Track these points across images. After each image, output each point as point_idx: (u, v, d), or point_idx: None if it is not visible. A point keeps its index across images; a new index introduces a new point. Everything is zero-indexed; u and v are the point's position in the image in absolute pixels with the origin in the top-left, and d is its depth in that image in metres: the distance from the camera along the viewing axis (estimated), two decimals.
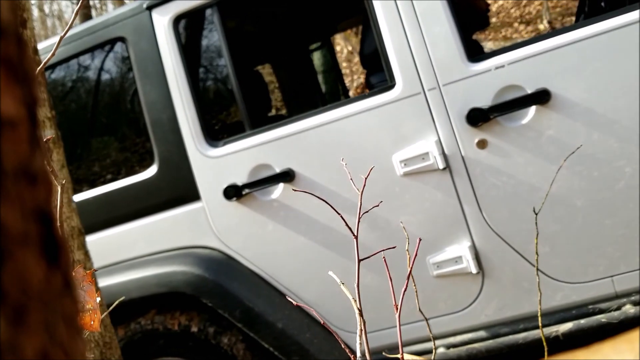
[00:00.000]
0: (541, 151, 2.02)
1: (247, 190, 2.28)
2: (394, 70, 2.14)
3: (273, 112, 3.93)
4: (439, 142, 2.11)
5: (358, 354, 1.11)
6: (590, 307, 2.09)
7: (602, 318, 2.05)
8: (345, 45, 10.49)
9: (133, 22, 2.43)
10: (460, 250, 2.14)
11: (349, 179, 2.18)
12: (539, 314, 1.66)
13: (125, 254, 2.47)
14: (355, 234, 1.27)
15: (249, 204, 2.31)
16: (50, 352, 0.31)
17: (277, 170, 2.27)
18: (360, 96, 2.21)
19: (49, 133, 1.87)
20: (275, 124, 2.28)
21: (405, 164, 2.14)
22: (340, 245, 2.25)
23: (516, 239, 2.10)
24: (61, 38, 1.10)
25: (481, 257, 2.14)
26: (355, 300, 1.17)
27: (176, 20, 2.37)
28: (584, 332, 2.05)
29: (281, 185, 2.27)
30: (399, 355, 1.12)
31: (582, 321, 2.07)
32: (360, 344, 1.14)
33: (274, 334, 2.25)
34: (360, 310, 1.15)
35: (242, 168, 2.30)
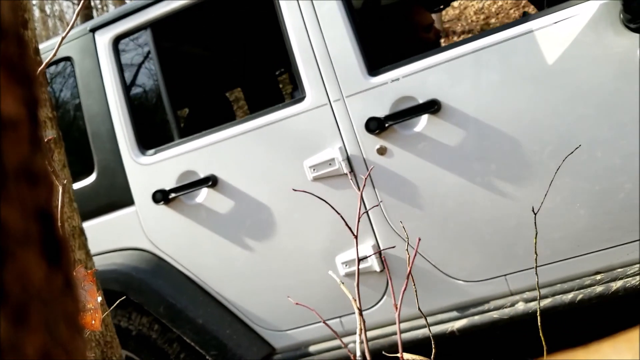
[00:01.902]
0: (434, 156, 2.18)
1: (173, 195, 2.46)
2: (304, 84, 2.33)
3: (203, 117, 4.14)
4: (344, 148, 2.27)
5: (358, 354, 1.10)
6: (486, 304, 2.22)
7: (494, 314, 2.18)
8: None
9: (79, 43, 2.66)
10: (365, 249, 2.29)
11: (268, 182, 2.35)
12: (538, 314, 1.74)
13: None
14: (355, 234, 1.33)
15: (176, 207, 2.49)
16: (51, 352, 0.31)
17: (201, 175, 2.45)
18: (275, 107, 2.40)
19: (50, 133, 1.91)
20: (199, 133, 2.47)
21: (314, 169, 2.30)
22: (258, 246, 2.41)
23: (415, 239, 2.24)
24: (62, 39, 1.15)
25: (386, 257, 2.29)
26: (355, 300, 1.25)
27: (115, 41, 2.59)
28: (477, 327, 2.18)
29: (205, 189, 2.45)
30: (398, 355, 1.20)
31: (476, 317, 2.19)
32: (361, 343, 1.20)
33: (195, 329, 2.40)
34: (360, 310, 1.23)
35: (171, 174, 2.48)
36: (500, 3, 10.52)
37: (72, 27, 1.14)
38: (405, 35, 3.18)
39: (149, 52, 2.59)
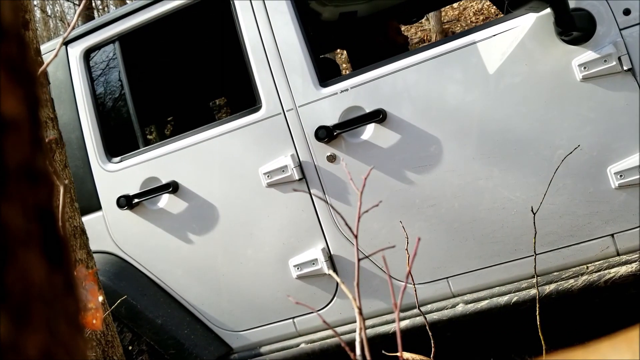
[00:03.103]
0: (380, 163, 2.28)
1: (137, 200, 2.58)
2: (260, 94, 2.45)
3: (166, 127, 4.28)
4: (296, 156, 2.39)
5: (358, 353, 1.20)
6: (429, 305, 2.31)
7: (434, 315, 2.27)
8: None
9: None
10: (315, 253, 2.39)
11: (225, 188, 2.46)
12: (537, 314, 1.80)
13: None
14: (355, 234, 1.43)
15: (140, 212, 2.60)
16: (52, 351, 0.31)
17: (163, 182, 2.56)
18: (232, 117, 2.52)
19: (51, 133, 1.91)
20: (161, 142, 2.60)
21: (269, 176, 2.41)
22: (216, 249, 2.52)
23: (364, 244, 2.34)
24: (63, 39, 1.16)
25: (335, 260, 2.39)
26: (355, 299, 1.34)
27: (86, 53, 2.73)
28: (417, 328, 2.27)
29: (166, 195, 2.56)
30: (398, 354, 1.30)
31: (417, 319, 2.29)
32: (361, 343, 1.27)
33: (154, 329, 2.50)
34: (359, 309, 1.32)
35: (135, 180, 2.60)
36: None
37: (73, 28, 1.16)
38: (378, 42, 3.32)
39: (117, 64, 2.72)
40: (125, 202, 2.58)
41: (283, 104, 2.41)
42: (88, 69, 2.73)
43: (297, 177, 2.37)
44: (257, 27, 2.44)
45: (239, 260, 2.51)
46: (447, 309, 2.28)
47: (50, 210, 0.33)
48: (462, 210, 2.22)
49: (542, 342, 1.71)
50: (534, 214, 1.88)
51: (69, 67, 2.75)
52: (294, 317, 2.48)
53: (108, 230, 2.66)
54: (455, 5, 11.20)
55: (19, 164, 0.31)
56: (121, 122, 2.81)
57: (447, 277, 2.29)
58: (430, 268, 2.30)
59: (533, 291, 2.16)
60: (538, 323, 1.67)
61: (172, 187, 2.53)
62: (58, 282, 0.33)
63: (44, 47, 2.78)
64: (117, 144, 2.72)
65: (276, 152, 2.42)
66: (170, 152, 2.56)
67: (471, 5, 11.20)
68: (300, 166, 2.38)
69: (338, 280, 1.35)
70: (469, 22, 11.08)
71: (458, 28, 11.02)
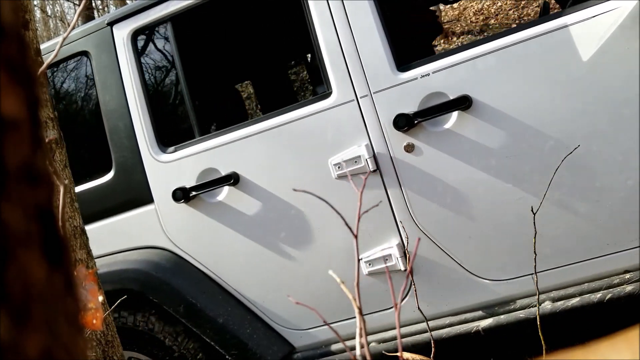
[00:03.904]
0: (463, 154, 2.16)
1: (194, 193, 2.42)
2: (330, 79, 2.31)
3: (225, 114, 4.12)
4: (370, 146, 2.25)
5: (358, 353, 1.17)
6: (512, 303, 2.20)
7: (520, 314, 2.16)
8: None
9: (96, 37, 2.62)
10: (389, 249, 2.27)
11: (290, 180, 2.33)
12: (537, 314, 1.72)
13: None
14: (355, 234, 1.34)
15: (197, 205, 2.45)
16: (53, 351, 0.31)
17: (223, 173, 2.41)
18: (301, 103, 2.37)
19: (51, 133, 1.90)
20: (221, 130, 2.44)
21: (339, 167, 2.28)
22: (280, 244, 2.38)
23: (442, 238, 2.22)
24: (63, 39, 1.13)
25: (410, 255, 2.26)
26: (355, 299, 1.26)
27: (134, 35, 2.56)
28: (503, 327, 2.16)
29: (226, 187, 2.42)
30: (398, 354, 1.21)
31: (502, 317, 2.17)
32: (361, 343, 1.20)
33: (215, 329, 2.36)
34: (360, 309, 1.24)
35: (191, 172, 2.45)
36: (499, 4, 10.58)
37: (73, 28, 1.12)
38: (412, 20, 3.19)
39: (169, 47, 2.56)
40: (182, 195, 2.42)
41: (356, 90, 2.27)
42: (137, 51, 2.56)
43: (371, 169, 2.24)
44: (328, 5, 2.29)
45: (305, 256, 2.37)
46: (532, 306, 2.17)
47: (50, 210, 0.33)
48: (551, 204, 2.11)
49: (542, 342, 1.66)
50: (534, 214, 1.79)
51: (115, 50, 2.58)
52: (364, 315, 2.36)
53: (161, 225, 2.51)
54: (455, 5, 11.10)
55: (19, 164, 0.31)
56: (174, 110, 2.65)
57: (531, 274, 2.18)
58: (515, 264, 2.18)
59: (628, 288, 2.05)
60: (538, 323, 1.62)
61: (233, 179, 2.38)
62: (58, 282, 0.33)
63: (44, 47, 2.63)
64: (170, 133, 2.57)
65: (347, 141, 2.29)
66: (230, 142, 2.41)
67: (471, 5, 11.11)
68: (374, 157, 2.25)
69: (338, 280, 1.25)
70: (469, 21, 10.99)
71: (458, 28, 10.93)
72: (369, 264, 2.30)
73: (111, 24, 2.59)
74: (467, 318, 2.23)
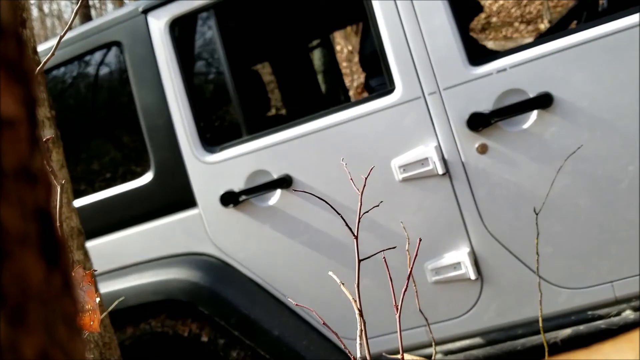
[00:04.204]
0: (542, 156, 2.01)
1: (244, 197, 2.26)
2: (393, 74, 2.13)
3: (273, 111, 3.92)
4: (439, 147, 2.09)
5: (358, 356, 1.08)
6: (590, 312, 2.09)
7: (601, 324, 2.05)
8: (345, 45, 10.49)
9: (128, 26, 2.41)
10: (459, 256, 2.13)
11: (348, 183, 2.16)
12: (539, 316, 1.65)
13: (121, 260, 2.43)
14: (355, 234, 1.27)
15: (246, 210, 2.29)
16: (50, 353, 0.31)
17: (275, 176, 2.24)
18: (360, 100, 2.20)
19: (48, 133, 1.87)
20: (272, 129, 2.26)
21: (404, 170, 2.12)
22: (338, 252, 2.23)
23: (515, 245, 2.09)
24: (60, 38, 1.10)
25: (480, 263, 2.13)
26: (356, 301, 1.16)
27: (172, 24, 2.35)
28: (583, 338, 2.05)
29: (278, 191, 2.25)
30: (399, 356, 1.11)
31: (581, 327, 2.06)
32: (360, 344, 1.13)
33: (271, 342, 2.22)
34: (360, 311, 1.14)
35: (239, 174, 2.28)
36: (501, 2, 10.39)
37: (70, 27, 1.10)
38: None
39: (212, 37, 2.36)
40: (231, 198, 2.25)
41: (423, 86, 2.10)
42: (175, 42, 2.35)
43: (440, 172, 2.08)
44: None
45: (363, 263, 2.22)
46: (612, 315, 2.06)
47: (48, 211, 0.33)
48: (630, 208, 1.98)
49: (545, 343, 1.59)
50: (537, 215, 1.69)
51: (151, 41, 2.37)
52: (425, 325, 2.23)
53: (206, 230, 2.34)
54: None
55: (16, 164, 0.30)
56: (219, 106, 2.46)
57: (611, 282, 2.06)
58: (593, 271, 2.06)
59: None
60: (540, 325, 1.55)
61: (286, 182, 2.22)
62: (55, 283, 0.32)
63: (41, 48, 2.43)
64: (215, 131, 2.38)
65: (413, 142, 2.13)
66: (282, 142, 2.24)
67: None
68: (443, 159, 2.10)
69: (338, 281, 1.15)
70: None
71: None
72: (436, 272, 2.16)
73: (146, 11, 2.37)
74: (543, 327, 2.11)
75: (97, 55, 2.52)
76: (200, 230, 2.35)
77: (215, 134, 2.37)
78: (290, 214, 2.25)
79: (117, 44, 2.44)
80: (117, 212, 2.44)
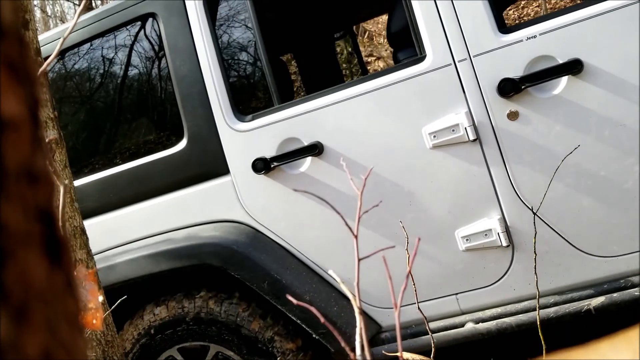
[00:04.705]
0: (574, 122, 2.00)
1: (275, 164, 2.29)
2: (424, 41, 2.13)
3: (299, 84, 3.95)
4: (469, 113, 2.09)
5: (357, 352, 1.12)
6: (622, 281, 2.06)
7: (635, 291, 2.02)
8: (345, 46, 10.45)
9: None
10: (490, 223, 2.12)
11: (378, 151, 2.18)
12: (537, 315, 1.62)
13: (155, 227, 2.49)
14: (355, 234, 1.27)
15: (277, 177, 2.32)
16: (52, 351, 0.31)
17: (305, 143, 2.27)
18: (391, 68, 2.21)
19: (51, 133, 1.89)
20: (302, 97, 2.29)
21: (435, 136, 2.13)
22: (368, 220, 2.25)
23: (547, 212, 2.08)
24: (63, 40, 1.11)
25: (512, 231, 2.12)
26: (355, 299, 1.17)
27: None
28: (617, 305, 2.02)
29: (309, 158, 2.27)
30: (398, 354, 1.12)
31: (615, 295, 2.04)
32: (361, 344, 1.14)
33: (302, 307, 2.25)
34: (360, 310, 1.15)
35: (271, 142, 2.31)
36: None
37: (73, 29, 1.12)
38: None
39: (245, 9, 2.39)
40: (263, 165, 2.28)
41: (454, 53, 2.10)
42: (210, 14, 2.39)
43: (471, 138, 2.08)
44: None
45: (394, 231, 2.23)
46: None
47: (51, 210, 0.33)
48: None
49: (542, 341, 1.55)
50: (535, 214, 1.64)
51: (186, 11, 2.41)
52: (457, 294, 2.23)
53: (238, 197, 2.38)
54: None
55: (19, 164, 0.30)
56: (251, 76, 2.49)
57: None
58: (626, 239, 2.03)
59: None
60: (538, 323, 1.51)
61: (318, 149, 2.24)
62: (58, 282, 0.32)
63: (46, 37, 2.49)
64: (247, 100, 2.41)
65: (444, 109, 2.13)
66: (313, 110, 2.26)
67: None
68: (474, 125, 2.09)
69: (338, 279, 1.12)
70: None
71: None
72: (467, 240, 2.16)
73: None
74: (573, 297, 2.09)
75: (133, 27, 2.57)
76: (232, 197, 2.39)
77: (247, 103, 2.40)
78: (322, 180, 2.27)
79: (153, 15, 2.49)
80: (152, 179, 2.49)
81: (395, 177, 2.20)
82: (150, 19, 2.52)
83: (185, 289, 2.47)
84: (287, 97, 2.40)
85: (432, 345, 1.35)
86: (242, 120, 2.36)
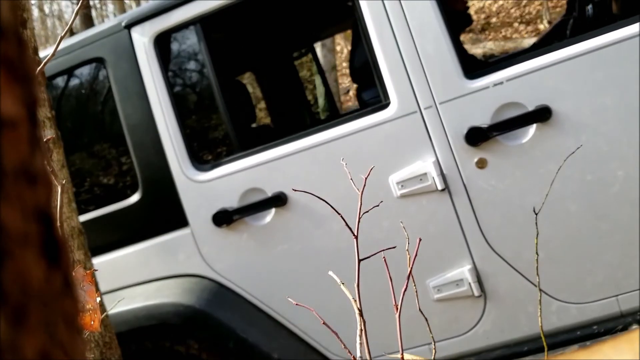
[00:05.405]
0: (543, 170, 1.96)
1: (237, 216, 2.18)
2: (388, 88, 2.06)
3: (260, 123, 3.83)
4: (437, 162, 2.03)
5: (358, 355, 1.07)
6: (595, 327, 2.04)
7: (607, 339, 2.00)
8: (345, 45, 10.42)
9: (111, 41, 2.31)
10: (461, 273, 2.07)
11: (343, 200, 2.10)
12: (539, 315, 1.61)
13: (111, 283, 2.35)
14: (355, 234, 1.25)
15: (240, 229, 2.22)
16: (51, 352, 0.31)
17: (269, 194, 2.17)
18: (354, 115, 2.13)
19: (49, 133, 1.86)
20: (265, 145, 2.19)
21: (402, 186, 2.06)
22: (335, 270, 2.17)
23: (518, 260, 2.04)
24: (61, 38, 1.10)
25: (483, 279, 2.08)
26: (355, 300, 1.15)
27: (157, 39, 2.26)
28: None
29: (273, 210, 2.18)
30: (399, 356, 1.10)
31: (588, 343, 2.01)
32: (361, 344, 1.10)
33: None
34: (360, 310, 1.12)
35: (232, 192, 2.20)
36: (500, 2, 10.34)
37: (70, 27, 1.09)
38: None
39: (199, 51, 2.27)
40: (225, 218, 2.18)
41: (419, 100, 2.04)
42: (160, 57, 2.26)
43: (439, 187, 2.02)
44: (384, 8, 2.03)
45: (363, 283, 2.15)
46: (617, 330, 2.01)
47: (49, 211, 0.33)
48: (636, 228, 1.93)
49: (544, 342, 1.56)
50: (536, 214, 1.65)
51: (135, 57, 2.28)
52: (429, 343, 2.18)
53: (198, 251, 2.27)
54: None
55: (17, 164, 0.30)
56: (208, 122, 2.37)
57: (616, 295, 2.01)
58: (597, 285, 2.01)
59: None
60: (540, 324, 1.52)
61: (281, 200, 2.14)
62: (56, 282, 0.32)
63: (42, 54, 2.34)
64: (206, 148, 2.30)
65: (410, 157, 2.06)
66: (276, 158, 2.16)
67: (472, 4, 10.81)
68: (442, 174, 2.03)
69: (338, 280, 1.14)
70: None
71: None
72: (438, 290, 2.10)
73: (129, 26, 2.27)
74: (548, 343, 2.06)
75: (80, 72, 2.42)
76: (192, 251, 2.27)
77: (205, 151, 2.29)
78: (286, 232, 2.18)
79: (100, 60, 2.34)
80: (105, 233, 2.36)
81: (362, 228, 2.12)
82: (98, 64, 2.37)
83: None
84: (249, 143, 2.29)
85: (434, 346, 1.30)
86: (201, 170, 2.24)
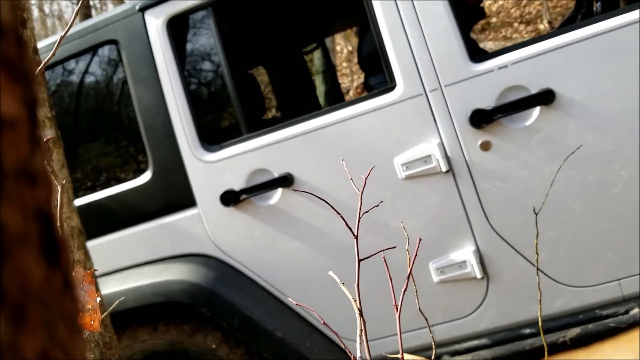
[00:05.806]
0: (546, 152, 1.98)
1: (244, 196, 2.22)
2: (394, 71, 2.09)
3: (269, 115, 3.87)
4: (442, 144, 2.06)
5: (358, 354, 1.07)
6: (597, 311, 2.05)
7: (610, 322, 2.01)
8: (345, 45, 10.47)
9: (125, 24, 2.37)
10: (464, 254, 2.09)
11: (349, 181, 2.13)
12: (539, 315, 1.62)
13: (120, 262, 2.40)
14: (355, 234, 1.25)
15: (247, 209, 2.25)
16: (50, 352, 0.31)
17: (276, 174, 2.21)
18: (360, 98, 2.16)
19: (49, 133, 1.87)
20: (272, 127, 2.23)
21: (407, 167, 2.09)
22: (340, 251, 2.20)
23: (521, 242, 2.05)
24: (61, 38, 1.09)
25: (486, 262, 2.09)
26: (355, 300, 1.16)
27: (170, 22, 2.31)
28: (592, 336, 2.01)
29: (279, 190, 2.21)
30: (399, 356, 1.10)
31: (590, 325, 2.02)
32: (360, 344, 1.12)
33: (274, 343, 2.19)
34: (360, 311, 1.13)
35: (239, 173, 2.24)
36: (501, 2, 10.35)
37: (70, 27, 1.10)
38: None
39: (210, 35, 2.32)
40: (232, 198, 2.22)
41: (425, 83, 2.06)
42: (173, 40, 2.31)
43: (443, 169, 2.05)
44: None
45: (364, 264, 2.18)
46: (620, 314, 2.02)
47: (49, 210, 0.33)
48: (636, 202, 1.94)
49: (544, 343, 1.56)
50: (536, 214, 1.65)
51: (148, 39, 2.33)
52: (432, 326, 2.19)
53: (206, 231, 2.31)
54: None
55: (17, 164, 0.30)
56: (218, 105, 2.42)
57: (618, 279, 2.02)
58: (601, 268, 2.02)
59: None
60: (540, 324, 1.52)
61: (288, 181, 2.18)
62: (56, 282, 0.32)
63: (40, 45, 2.40)
64: (214, 130, 2.34)
65: (415, 139, 2.09)
66: (283, 140, 2.20)
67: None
68: (446, 156, 2.06)
69: (338, 280, 1.15)
70: None
71: None
72: (441, 272, 2.12)
73: (143, 9, 2.33)
74: (549, 327, 2.07)
75: (94, 54, 2.48)
76: (200, 230, 2.31)
77: (214, 133, 2.33)
78: (292, 213, 2.22)
79: (114, 42, 2.40)
80: (115, 212, 2.40)
81: (367, 208, 2.15)
82: (112, 46, 2.43)
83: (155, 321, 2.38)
84: (257, 125, 2.33)
85: (433, 346, 1.31)
86: (209, 151, 2.28)
